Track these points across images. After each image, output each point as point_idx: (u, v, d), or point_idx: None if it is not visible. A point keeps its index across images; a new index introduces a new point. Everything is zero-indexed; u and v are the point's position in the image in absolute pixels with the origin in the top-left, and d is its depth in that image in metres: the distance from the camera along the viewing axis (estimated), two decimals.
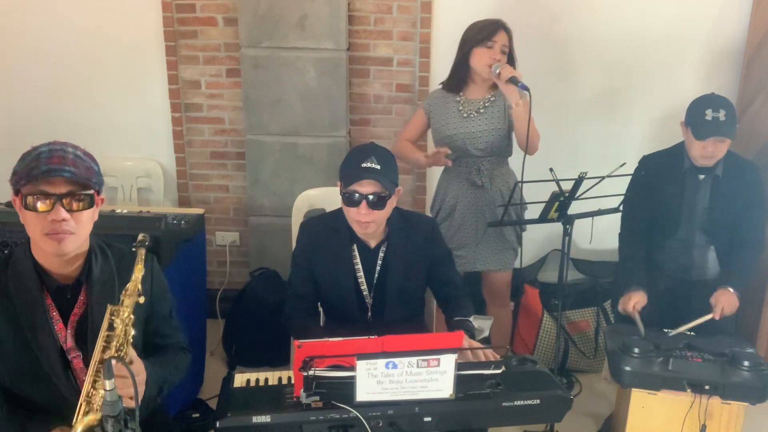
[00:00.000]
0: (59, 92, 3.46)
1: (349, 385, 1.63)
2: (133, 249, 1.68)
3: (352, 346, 1.63)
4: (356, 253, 2.20)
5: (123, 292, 1.61)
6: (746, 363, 2.26)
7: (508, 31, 2.64)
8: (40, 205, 1.58)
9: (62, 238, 1.60)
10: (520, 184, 2.63)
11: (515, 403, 1.73)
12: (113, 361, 1.35)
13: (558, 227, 2.61)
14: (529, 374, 1.87)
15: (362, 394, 1.64)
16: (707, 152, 2.50)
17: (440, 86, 2.81)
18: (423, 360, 1.63)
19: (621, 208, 2.70)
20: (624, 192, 2.69)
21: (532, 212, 2.72)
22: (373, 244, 2.21)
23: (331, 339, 1.78)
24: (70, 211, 1.59)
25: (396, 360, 1.62)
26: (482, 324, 2.21)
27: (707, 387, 2.26)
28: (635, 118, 3.41)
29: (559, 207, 2.53)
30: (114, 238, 1.85)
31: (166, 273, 1.90)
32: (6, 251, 2.21)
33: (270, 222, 3.47)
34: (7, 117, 3.49)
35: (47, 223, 1.58)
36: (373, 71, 3.40)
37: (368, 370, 1.62)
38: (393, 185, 2.08)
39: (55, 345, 1.67)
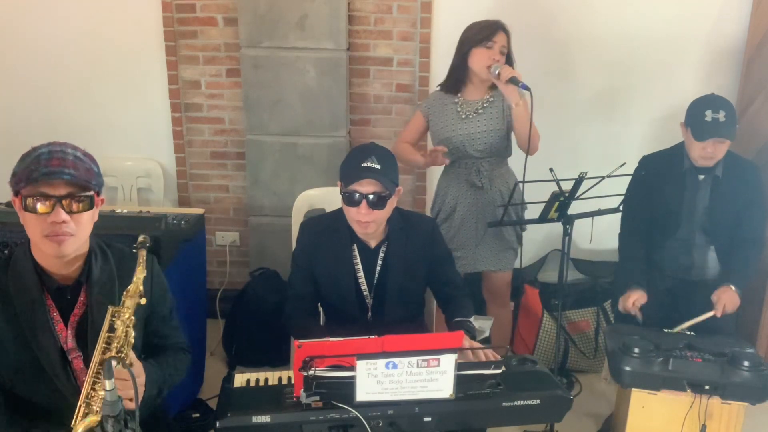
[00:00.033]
0: (59, 92, 3.45)
1: (349, 385, 1.63)
2: (134, 250, 1.68)
3: (352, 346, 1.63)
4: (356, 253, 2.20)
5: (124, 293, 1.61)
6: (746, 363, 2.26)
7: (506, 31, 2.64)
8: (40, 207, 1.57)
9: (62, 240, 1.60)
10: (519, 184, 2.63)
11: (515, 403, 1.73)
12: (113, 362, 1.35)
13: (558, 227, 2.61)
14: (529, 374, 1.87)
15: (362, 394, 1.64)
16: (707, 153, 2.50)
17: (438, 88, 2.81)
18: (423, 360, 1.63)
19: (621, 208, 2.71)
20: (624, 192, 2.70)
21: (532, 212, 2.72)
22: (373, 244, 2.21)
23: (331, 339, 1.78)
24: (69, 212, 1.59)
25: (396, 360, 1.62)
26: (483, 324, 2.21)
27: (707, 387, 2.26)
28: (635, 118, 3.41)
29: (559, 207, 2.53)
30: (114, 239, 1.86)
31: (166, 273, 1.90)
32: (6, 251, 2.21)
33: (270, 222, 3.47)
34: (7, 117, 3.49)
35: (47, 224, 1.58)
36: (373, 71, 3.40)
37: (368, 370, 1.62)
38: (393, 185, 2.08)
39: (56, 345, 1.67)
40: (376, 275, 2.22)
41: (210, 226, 3.54)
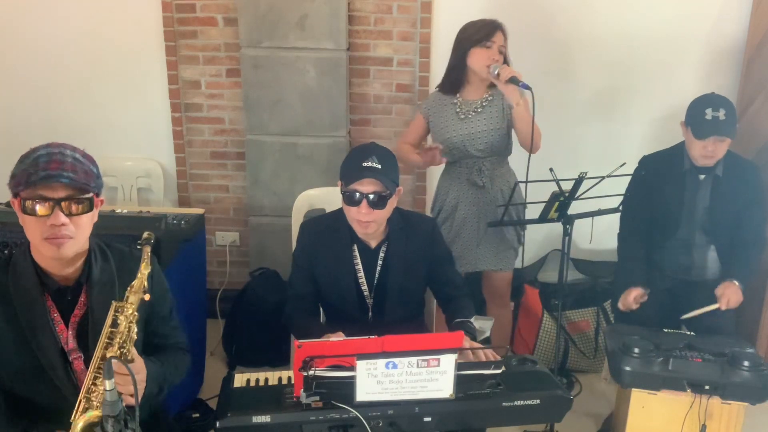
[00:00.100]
0: (59, 92, 3.46)
1: (349, 385, 1.63)
2: (138, 246, 1.68)
3: (352, 346, 1.63)
4: (356, 253, 2.20)
5: (128, 288, 1.61)
6: (746, 363, 2.26)
7: (504, 31, 2.64)
8: (39, 209, 1.56)
9: (61, 242, 1.59)
10: (519, 184, 2.63)
11: (515, 403, 1.73)
12: (113, 361, 1.35)
13: (558, 227, 2.61)
14: (529, 374, 1.87)
15: (362, 394, 1.64)
16: (707, 152, 2.50)
17: (437, 89, 2.81)
18: (423, 360, 1.63)
19: (621, 208, 2.70)
20: (624, 192, 2.70)
21: (532, 212, 2.72)
22: (373, 244, 2.21)
23: (331, 339, 1.78)
24: (69, 215, 1.58)
25: (396, 360, 1.62)
26: (483, 325, 2.21)
27: (707, 387, 2.26)
28: (635, 118, 3.41)
29: (559, 207, 2.53)
30: (114, 238, 1.85)
31: (166, 273, 1.90)
32: (6, 251, 2.21)
33: (270, 222, 3.47)
34: (7, 117, 3.49)
35: (46, 227, 1.57)
36: (373, 71, 3.40)
37: (368, 370, 1.62)
38: (394, 185, 2.08)
39: (56, 346, 1.67)
40: (377, 275, 2.22)
41: (210, 226, 3.54)
